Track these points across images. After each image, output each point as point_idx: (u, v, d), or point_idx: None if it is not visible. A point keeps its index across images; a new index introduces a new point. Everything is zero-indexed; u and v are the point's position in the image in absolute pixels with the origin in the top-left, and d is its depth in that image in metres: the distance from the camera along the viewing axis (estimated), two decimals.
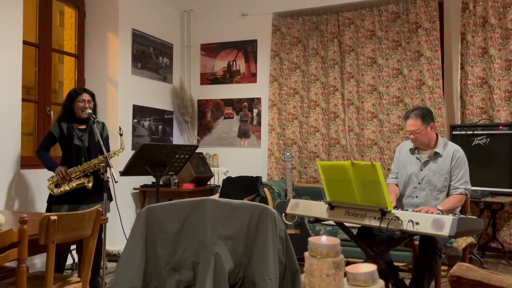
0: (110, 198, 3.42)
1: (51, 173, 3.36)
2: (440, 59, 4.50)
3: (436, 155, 2.88)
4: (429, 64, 4.52)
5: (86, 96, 3.33)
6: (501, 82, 4.27)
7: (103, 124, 3.53)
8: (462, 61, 4.51)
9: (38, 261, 3.77)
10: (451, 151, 2.87)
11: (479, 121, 4.34)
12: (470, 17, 4.44)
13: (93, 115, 3.25)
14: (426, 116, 2.84)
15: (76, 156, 3.31)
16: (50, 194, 3.27)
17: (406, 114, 2.93)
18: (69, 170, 3.22)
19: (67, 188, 3.20)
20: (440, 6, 4.61)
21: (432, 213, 2.29)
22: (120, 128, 3.24)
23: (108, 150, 3.46)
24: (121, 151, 3.31)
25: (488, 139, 4.11)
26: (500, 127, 4.07)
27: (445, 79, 4.61)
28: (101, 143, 3.13)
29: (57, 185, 3.23)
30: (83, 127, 3.38)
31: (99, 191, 3.26)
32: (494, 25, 4.31)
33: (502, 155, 4.03)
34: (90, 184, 3.24)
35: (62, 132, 3.31)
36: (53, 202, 3.26)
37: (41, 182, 3.83)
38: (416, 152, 2.98)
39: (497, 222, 4.22)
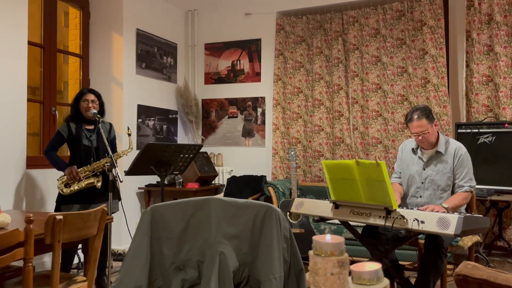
0: (118, 197, 3.45)
1: (57, 173, 3.38)
2: (445, 57, 4.48)
3: (438, 154, 2.86)
4: (434, 62, 4.50)
5: (90, 96, 3.36)
6: (507, 79, 4.24)
7: (111, 124, 3.56)
8: (467, 59, 4.49)
9: (47, 260, 3.79)
10: (452, 149, 2.84)
11: (484, 119, 4.32)
12: (475, 14, 4.41)
13: (98, 115, 3.27)
14: (429, 114, 2.82)
15: (85, 156, 3.34)
16: (59, 194, 3.29)
17: (408, 117, 2.85)
18: (79, 169, 3.25)
19: (77, 187, 3.23)
20: (445, 3, 4.59)
21: (437, 211, 2.28)
22: (128, 128, 3.26)
23: (114, 151, 3.48)
24: (130, 151, 3.33)
25: (494, 137, 4.08)
26: (506, 125, 4.04)
27: (450, 77, 4.59)
28: (106, 143, 3.15)
29: (66, 185, 3.26)
30: (91, 127, 3.41)
31: (110, 190, 3.29)
32: (500, 23, 4.28)
33: (508, 153, 4.01)
34: (99, 184, 3.26)
35: (70, 132, 3.34)
36: (63, 201, 3.29)
37: (47, 182, 3.85)
38: (418, 151, 2.96)
39: (503, 220, 4.19)
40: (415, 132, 2.81)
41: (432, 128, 2.81)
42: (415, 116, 2.80)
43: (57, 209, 3.31)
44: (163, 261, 1.95)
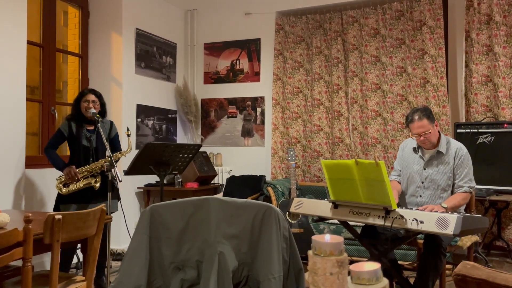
0: (117, 197, 3.45)
1: (57, 173, 3.39)
2: (444, 57, 4.48)
3: (439, 154, 2.86)
4: (433, 62, 4.50)
5: (91, 97, 3.38)
6: (506, 80, 4.24)
7: (111, 122, 3.56)
8: (466, 59, 4.49)
9: (47, 260, 3.78)
10: (453, 149, 2.84)
11: (483, 119, 4.32)
12: (474, 14, 4.42)
13: (97, 115, 3.27)
14: (430, 115, 2.82)
15: (84, 156, 3.35)
16: (58, 193, 3.31)
17: (409, 118, 2.84)
18: (77, 170, 3.25)
19: (75, 187, 3.25)
20: (444, 3, 4.59)
21: (436, 211, 2.28)
22: (128, 129, 3.27)
23: (119, 148, 3.50)
24: (129, 152, 3.33)
25: (493, 137, 4.09)
26: (505, 125, 4.05)
27: (449, 77, 4.59)
28: (106, 143, 3.15)
29: (65, 185, 3.27)
30: (92, 127, 3.41)
31: (109, 190, 3.30)
32: (499, 23, 4.28)
33: (507, 153, 4.01)
34: (98, 184, 3.27)
35: (71, 131, 3.36)
36: (61, 201, 3.31)
37: (46, 181, 3.85)
38: (419, 151, 2.96)
39: (502, 220, 4.20)
40: (416, 133, 2.81)
41: (434, 128, 2.81)
42: (416, 117, 2.80)
43: (56, 208, 3.34)
44: (162, 261, 1.95)
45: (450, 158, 2.83)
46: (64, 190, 3.25)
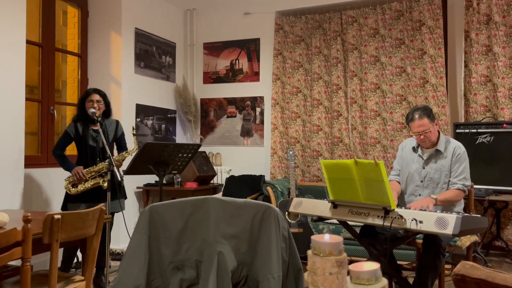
0: (124, 196, 3.47)
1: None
2: (443, 57, 4.48)
3: (438, 152, 2.87)
4: (432, 62, 4.51)
5: (95, 96, 3.39)
6: (505, 80, 4.25)
7: (117, 122, 3.58)
8: (465, 59, 4.49)
9: (49, 259, 3.78)
10: (452, 148, 2.86)
11: (483, 119, 4.32)
12: (474, 14, 4.42)
13: (96, 115, 3.27)
14: (430, 114, 2.83)
15: (91, 156, 3.38)
16: (66, 193, 3.34)
17: (410, 116, 2.86)
18: (85, 170, 3.27)
19: (83, 188, 3.28)
20: (444, 3, 4.59)
21: (427, 206, 2.28)
22: (133, 128, 3.28)
23: (125, 147, 3.52)
24: (135, 151, 3.34)
25: (492, 137, 4.09)
26: (504, 125, 4.05)
27: (448, 77, 4.59)
28: (105, 143, 3.16)
29: (74, 185, 3.31)
30: (97, 127, 3.41)
31: (115, 190, 3.31)
32: (498, 23, 4.29)
33: (506, 153, 4.02)
34: (106, 184, 3.27)
35: (77, 132, 3.39)
36: (70, 200, 3.33)
37: (45, 181, 3.84)
38: (418, 150, 2.97)
39: (501, 220, 4.20)
40: (416, 132, 2.82)
41: (433, 127, 2.83)
42: (416, 116, 2.81)
43: (64, 207, 3.37)
44: (162, 260, 1.94)
45: (448, 156, 2.85)
46: (73, 190, 3.28)
